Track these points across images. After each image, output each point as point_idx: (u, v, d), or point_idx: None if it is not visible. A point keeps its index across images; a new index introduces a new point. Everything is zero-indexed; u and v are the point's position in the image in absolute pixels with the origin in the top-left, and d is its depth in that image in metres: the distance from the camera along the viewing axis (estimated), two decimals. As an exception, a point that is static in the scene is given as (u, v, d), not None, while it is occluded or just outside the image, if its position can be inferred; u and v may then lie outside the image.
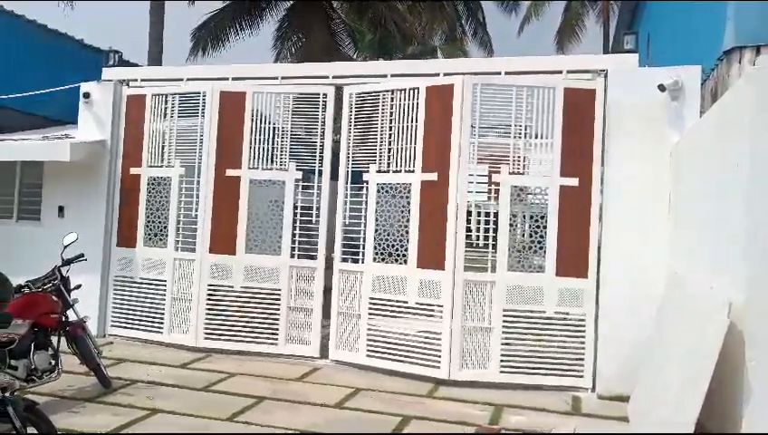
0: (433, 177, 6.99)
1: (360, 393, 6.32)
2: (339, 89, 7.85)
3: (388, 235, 7.26)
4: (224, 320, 7.82)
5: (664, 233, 6.43)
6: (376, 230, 7.33)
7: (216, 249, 7.91)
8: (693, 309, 4.79)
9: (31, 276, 5.92)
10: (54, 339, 5.68)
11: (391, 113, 7.31)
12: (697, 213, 5.43)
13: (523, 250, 6.88)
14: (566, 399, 6.31)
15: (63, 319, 5.83)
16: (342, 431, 5.16)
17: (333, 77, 8.13)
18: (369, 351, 7.22)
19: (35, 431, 3.56)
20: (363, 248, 7.40)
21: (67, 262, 6.10)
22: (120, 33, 23.75)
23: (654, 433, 4.60)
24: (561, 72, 7.03)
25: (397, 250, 7.19)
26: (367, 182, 7.45)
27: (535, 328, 6.72)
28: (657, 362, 5.35)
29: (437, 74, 7.30)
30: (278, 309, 7.73)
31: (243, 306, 7.81)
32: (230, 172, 7.95)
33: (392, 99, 7.33)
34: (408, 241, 7.12)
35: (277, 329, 7.71)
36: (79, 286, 6.10)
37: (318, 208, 7.77)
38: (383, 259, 7.27)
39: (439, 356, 6.77)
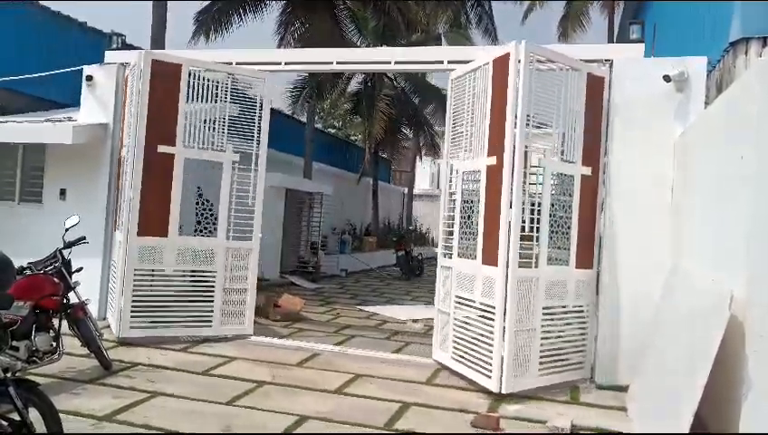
0: (493, 161, 6.28)
1: (360, 379, 6.34)
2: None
3: (468, 227, 6.74)
4: (153, 305, 7.35)
5: (666, 224, 6.42)
6: (460, 224, 6.86)
7: (145, 231, 7.36)
8: (694, 301, 4.79)
9: (32, 258, 5.95)
10: (56, 321, 5.69)
11: (473, 94, 6.74)
12: (701, 204, 5.41)
13: (555, 242, 6.43)
14: (565, 388, 6.32)
15: (65, 301, 5.84)
16: (340, 418, 5.17)
17: (337, 63, 8.13)
18: (453, 352, 6.68)
19: (36, 412, 3.57)
20: (453, 242, 6.92)
21: (69, 244, 6.10)
22: (124, 16, 23.65)
23: (651, 432, 4.61)
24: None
25: (472, 244, 6.59)
26: (457, 170, 7.00)
27: (559, 323, 6.45)
28: (656, 353, 5.35)
29: (441, 62, 7.45)
30: (212, 291, 7.67)
31: (176, 290, 7.52)
32: (162, 149, 7.42)
33: (474, 79, 6.76)
34: (477, 234, 6.48)
35: (212, 311, 7.65)
36: (80, 269, 6.11)
37: (255, 191, 7.85)
38: (464, 254, 6.76)
39: (490, 365, 5.99)
